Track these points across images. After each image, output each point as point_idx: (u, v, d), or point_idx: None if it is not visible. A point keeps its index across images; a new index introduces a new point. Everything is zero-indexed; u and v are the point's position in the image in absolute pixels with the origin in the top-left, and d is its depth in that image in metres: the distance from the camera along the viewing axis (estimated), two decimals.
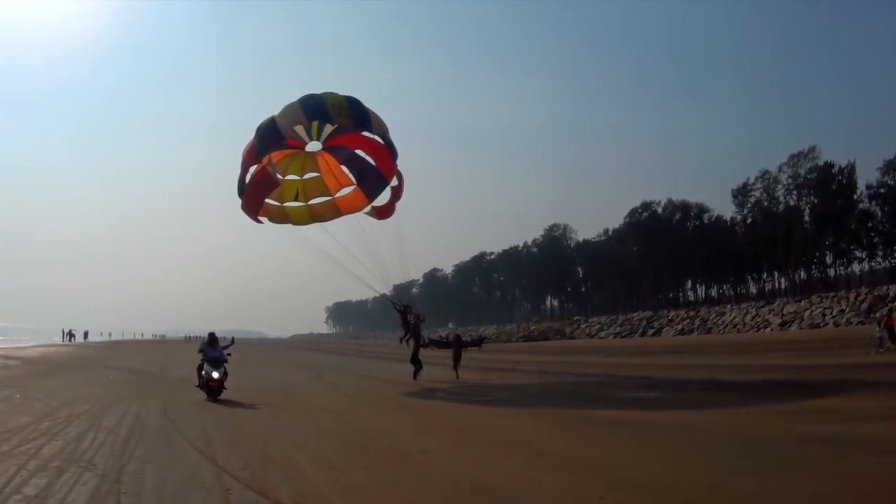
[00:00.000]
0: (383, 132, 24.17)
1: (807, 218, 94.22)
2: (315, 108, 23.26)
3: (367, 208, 25.50)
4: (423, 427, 15.09)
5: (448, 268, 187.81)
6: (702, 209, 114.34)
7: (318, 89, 23.99)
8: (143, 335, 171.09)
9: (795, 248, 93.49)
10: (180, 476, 9.67)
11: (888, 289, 63.80)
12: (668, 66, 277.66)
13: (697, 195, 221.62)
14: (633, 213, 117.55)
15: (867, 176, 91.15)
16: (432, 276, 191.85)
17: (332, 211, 25.25)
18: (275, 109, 23.74)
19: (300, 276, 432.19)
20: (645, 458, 10.71)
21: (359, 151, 24.93)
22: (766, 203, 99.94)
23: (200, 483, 9.24)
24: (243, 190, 24.51)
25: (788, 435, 11.95)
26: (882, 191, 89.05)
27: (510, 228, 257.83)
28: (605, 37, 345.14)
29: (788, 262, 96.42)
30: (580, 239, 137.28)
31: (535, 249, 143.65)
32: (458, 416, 17.06)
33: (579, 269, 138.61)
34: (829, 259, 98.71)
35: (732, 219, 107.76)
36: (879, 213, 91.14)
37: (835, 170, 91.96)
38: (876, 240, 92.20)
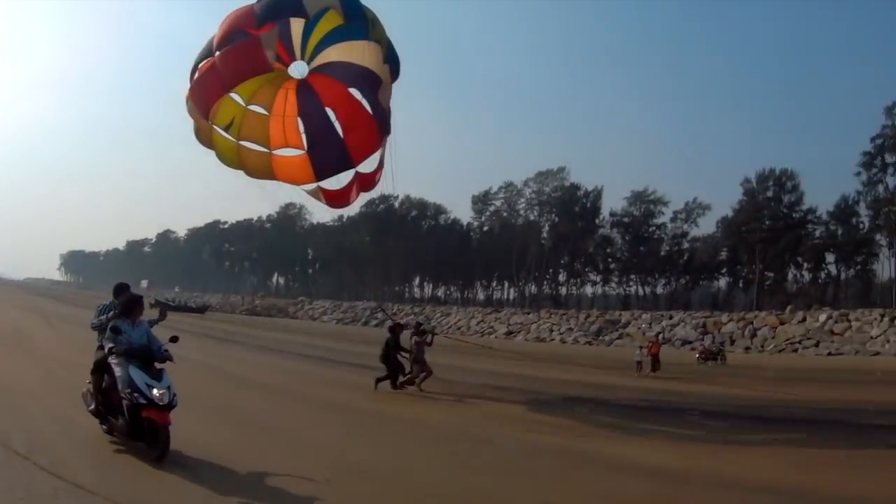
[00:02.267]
0: (380, 100, 18.37)
1: (545, 235, 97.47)
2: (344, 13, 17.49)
3: (311, 186, 19.63)
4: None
5: (181, 231, 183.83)
6: (439, 210, 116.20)
7: None
8: None
9: (529, 262, 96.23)
10: None
11: (620, 314, 66.31)
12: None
13: (437, 196, 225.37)
14: (370, 203, 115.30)
15: (613, 203, 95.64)
16: (165, 238, 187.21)
17: (265, 169, 19.13)
18: None
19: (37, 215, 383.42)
20: (372, 445, 11.67)
21: (329, 111, 18.74)
22: (505, 214, 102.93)
23: None
24: (203, 64, 17.74)
25: (520, 442, 12.65)
26: (625, 220, 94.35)
27: (246, 201, 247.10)
28: None
29: (521, 274, 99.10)
30: (315, 221, 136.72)
31: (269, 225, 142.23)
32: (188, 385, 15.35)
33: (309, 251, 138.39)
34: (562, 278, 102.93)
35: (469, 224, 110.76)
36: (619, 241, 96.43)
37: (580, 192, 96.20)
38: (612, 266, 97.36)
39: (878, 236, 76.98)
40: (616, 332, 59.30)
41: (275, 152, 19.16)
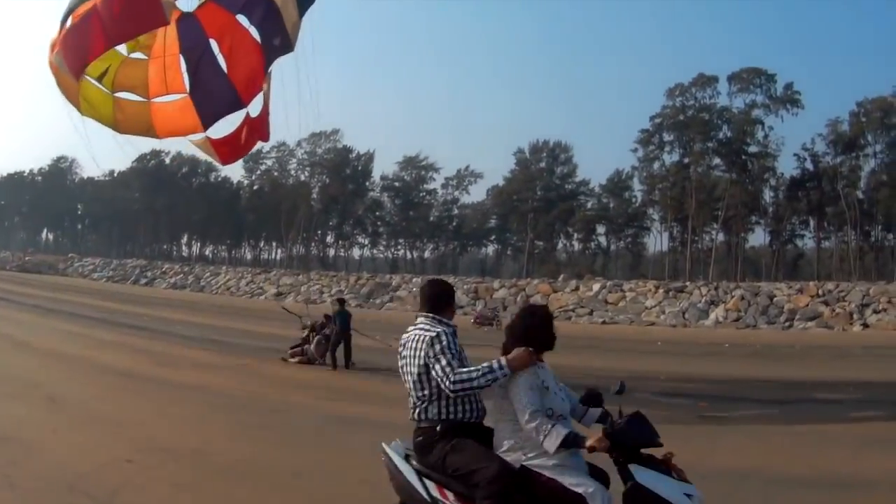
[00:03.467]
0: (276, 30, 14.43)
1: (315, 196, 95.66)
2: None
3: (198, 137, 15.55)
4: None
5: None
6: (210, 167, 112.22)
7: None
8: None
9: (298, 223, 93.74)
10: None
11: (391, 277, 64.59)
12: None
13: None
14: (141, 158, 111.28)
15: (386, 168, 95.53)
16: None
17: (142, 123, 15.32)
18: None
19: None
20: (171, 419, 10.77)
21: (213, 44, 14.78)
22: (276, 174, 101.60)
23: None
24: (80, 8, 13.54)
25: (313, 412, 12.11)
26: (396, 184, 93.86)
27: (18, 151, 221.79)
28: None
29: (290, 235, 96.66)
30: (85, 175, 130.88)
31: (40, 178, 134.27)
32: None
33: (79, 206, 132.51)
34: (330, 239, 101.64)
35: (239, 182, 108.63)
36: (389, 205, 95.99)
37: (353, 155, 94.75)
38: (381, 229, 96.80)
39: (650, 210, 79.59)
40: (388, 295, 57.02)
41: (154, 101, 15.59)
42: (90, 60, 14.21)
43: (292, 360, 18.34)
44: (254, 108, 15.74)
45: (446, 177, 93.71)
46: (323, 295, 60.56)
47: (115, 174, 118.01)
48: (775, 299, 42.48)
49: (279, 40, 14.75)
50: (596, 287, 49.36)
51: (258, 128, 16.48)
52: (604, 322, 43.92)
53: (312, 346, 18.34)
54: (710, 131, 71.10)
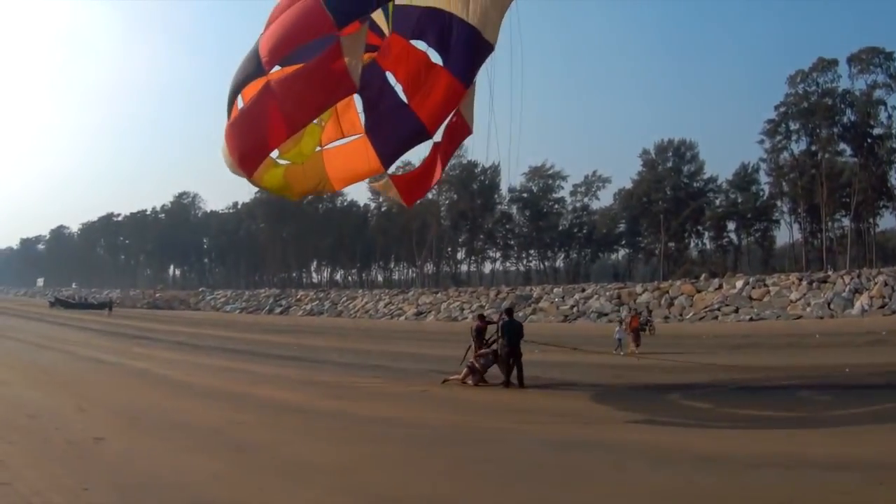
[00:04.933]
0: (457, 41, 13.91)
1: (444, 213, 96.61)
2: None
3: (380, 179, 15.88)
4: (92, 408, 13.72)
5: (75, 226, 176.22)
6: (335, 192, 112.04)
7: None
8: None
9: (429, 242, 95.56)
10: None
11: (531, 289, 65.94)
12: None
13: None
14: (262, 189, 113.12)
15: (512, 179, 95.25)
16: (59, 234, 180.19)
17: (314, 176, 15.26)
18: None
19: None
20: (376, 461, 9.82)
21: (389, 75, 14.91)
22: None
23: None
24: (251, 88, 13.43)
25: (525, 436, 11.32)
26: (524, 195, 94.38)
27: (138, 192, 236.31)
28: None
29: (422, 254, 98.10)
30: (208, 209, 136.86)
31: (164, 216, 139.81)
32: (123, 394, 15.94)
33: (205, 240, 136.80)
34: (460, 256, 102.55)
35: (366, 205, 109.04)
36: (518, 217, 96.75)
37: (478, 169, 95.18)
38: (511, 242, 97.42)
39: (778, 202, 78.85)
40: (529, 307, 58.58)
41: (326, 147, 15.36)
42: (268, 151, 13.94)
43: (455, 378, 17.59)
44: (441, 134, 15.23)
45: (574, 184, 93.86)
46: (464, 311, 62.57)
47: (239, 205, 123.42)
48: None
49: (471, 45, 13.68)
50: (739, 284, 50.08)
51: (450, 151, 15.94)
52: (751, 319, 44.57)
53: (474, 362, 17.48)
54: (835, 116, 69.71)
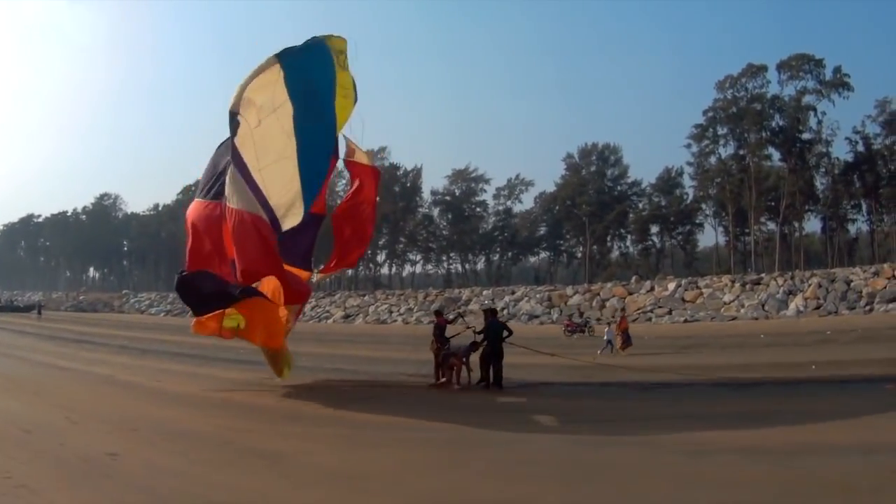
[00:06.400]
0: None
1: None
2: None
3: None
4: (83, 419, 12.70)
5: None
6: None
7: None
8: None
9: None
10: None
11: (460, 291, 66.16)
12: None
13: None
14: (185, 191, 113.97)
15: (434, 182, 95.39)
16: None
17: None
18: None
19: None
20: (414, 464, 9.31)
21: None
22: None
23: None
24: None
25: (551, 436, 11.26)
26: (447, 198, 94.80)
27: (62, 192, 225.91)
28: None
29: None
30: (129, 211, 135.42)
31: (85, 217, 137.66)
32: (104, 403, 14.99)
33: (125, 242, 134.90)
34: (380, 258, 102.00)
35: None
36: (440, 220, 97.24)
37: (400, 172, 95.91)
38: (432, 245, 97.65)
39: (703, 206, 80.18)
40: (460, 309, 57.74)
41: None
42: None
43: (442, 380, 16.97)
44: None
45: (497, 187, 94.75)
46: (392, 314, 61.98)
47: (160, 207, 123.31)
48: (852, 284, 43.64)
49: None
50: (671, 286, 50.65)
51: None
52: (685, 321, 45.16)
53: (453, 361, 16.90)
54: (764, 121, 71.57)
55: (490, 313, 17.60)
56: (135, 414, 13.36)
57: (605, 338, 26.19)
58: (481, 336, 16.95)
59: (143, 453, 9.84)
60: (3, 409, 13.85)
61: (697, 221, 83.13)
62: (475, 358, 17.00)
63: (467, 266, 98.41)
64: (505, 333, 16.85)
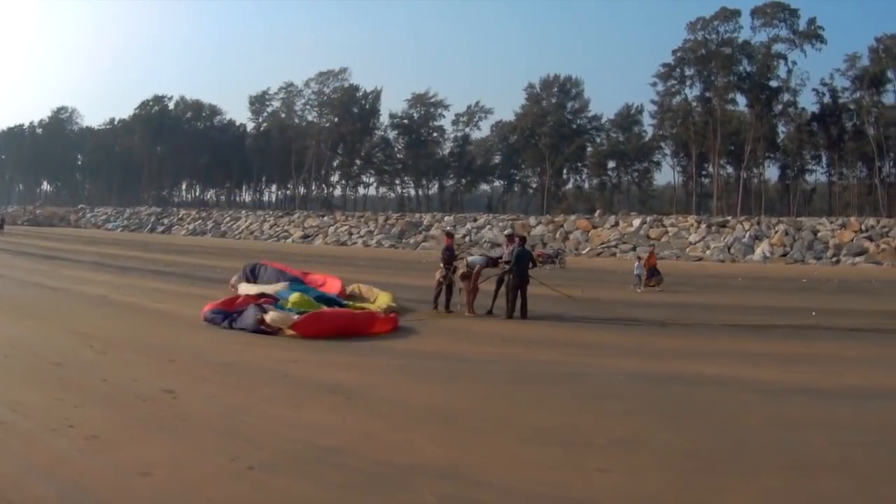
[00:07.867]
0: None
1: (323, 136, 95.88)
2: None
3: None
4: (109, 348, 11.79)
5: None
6: (214, 111, 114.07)
7: None
8: None
9: (308, 164, 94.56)
10: None
11: (422, 216, 65.77)
12: None
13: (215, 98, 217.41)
14: (143, 105, 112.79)
15: (395, 106, 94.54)
16: None
17: None
18: None
19: None
20: (508, 398, 9.09)
21: None
22: (283, 115, 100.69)
23: None
24: None
25: (612, 370, 10.83)
26: (404, 122, 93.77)
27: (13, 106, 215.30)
28: None
29: (300, 176, 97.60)
30: (84, 125, 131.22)
31: (41, 131, 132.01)
32: (117, 327, 14.11)
33: (79, 156, 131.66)
34: (334, 179, 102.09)
35: (242, 125, 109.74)
36: (397, 143, 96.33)
37: (360, 94, 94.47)
38: (387, 168, 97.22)
39: (662, 145, 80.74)
40: (420, 235, 57.73)
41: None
42: None
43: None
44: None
45: (456, 113, 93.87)
46: (352, 236, 61.43)
47: (116, 121, 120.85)
48: (819, 234, 44.37)
49: None
50: (636, 222, 51.05)
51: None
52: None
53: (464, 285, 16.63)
54: (732, 65, 71.68)
55: (519, 240, 16.95)
56: (159, 342, 12.55)
57: (635, 272, 26.18)
58: (508, 266, 16.35)
59: (201, 390, 9.01)
60: (16, 336, 12.72)
61: (655, 160, 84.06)
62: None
63: (420, 191, 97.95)
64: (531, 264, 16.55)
